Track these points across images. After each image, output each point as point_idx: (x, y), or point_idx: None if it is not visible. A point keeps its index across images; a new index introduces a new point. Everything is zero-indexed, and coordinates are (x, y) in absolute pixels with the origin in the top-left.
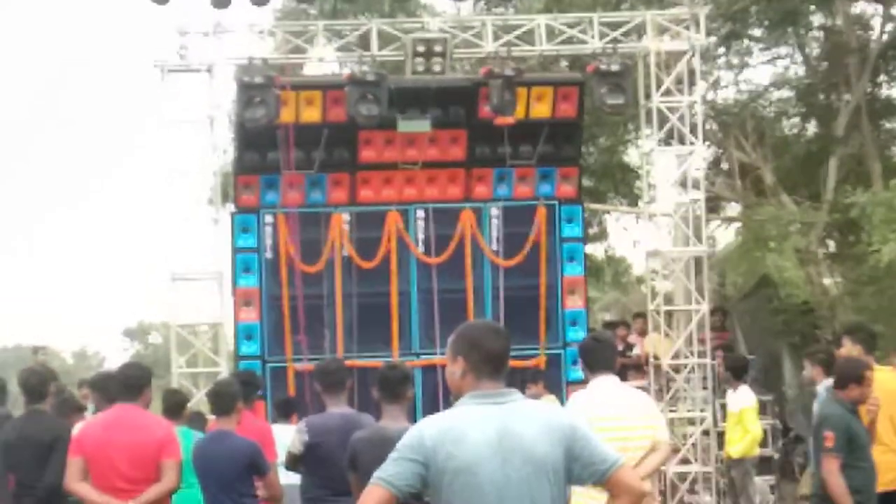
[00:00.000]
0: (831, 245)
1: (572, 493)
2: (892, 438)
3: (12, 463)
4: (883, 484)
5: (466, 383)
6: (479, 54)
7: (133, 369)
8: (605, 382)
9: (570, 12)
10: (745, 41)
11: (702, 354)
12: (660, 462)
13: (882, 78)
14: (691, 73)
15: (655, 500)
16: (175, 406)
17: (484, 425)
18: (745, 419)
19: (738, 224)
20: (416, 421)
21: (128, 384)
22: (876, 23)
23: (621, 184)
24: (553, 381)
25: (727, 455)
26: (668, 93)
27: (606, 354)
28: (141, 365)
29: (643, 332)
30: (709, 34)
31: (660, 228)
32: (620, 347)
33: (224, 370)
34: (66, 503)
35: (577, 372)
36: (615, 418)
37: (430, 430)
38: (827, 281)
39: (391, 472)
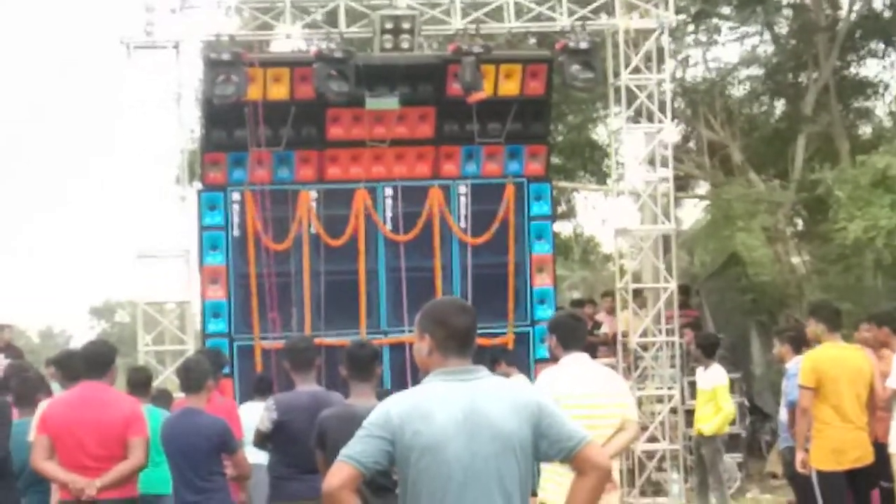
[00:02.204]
0: (799, 224)
1: (540, 471)
2: (858, 416)
3: None
4: (849, 461)
5: (433, 360)
6: (447, 31)
7: (98, 346)
8: (577, 360)
9: None
10: (714, 19)
11: (670, 332)
12: (628, 441)
13: (850, 56)
14: (660, 50)
15: (615, 484)
16: (140, 383)
17: (451, 403)
18: (718, 397)
19: (706, 202)
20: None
21: (93, 362)
22: (845, 1)
23: (590, 161)
24: (521, 359)
25: (698, 432)
26: (637, 70)
27: (581, 333)
28: (106, 342)
29: (611, 311)
30: (678, 12)
31: (628, 207)
32: (588, 326)
33: (191, 348)
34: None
35: (546, 350)
36: (585, 395)
37: (396, 407)
38: (795, 259)
39: (358, 449)
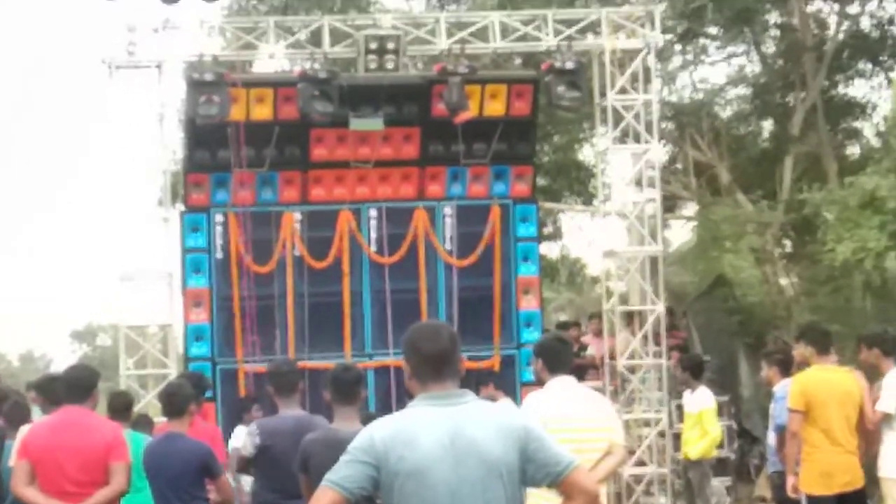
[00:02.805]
0: (787, 245)
1: (528, 495)
2: (847, 440)
3: None
4: (839, 486)
5: (413, 385)
6: (432, 52)
7: (80, 371)
8: (563, 383)
9: (524, 9)
10: (702, 39)
11: (657, 355)
12: (616, 465)
13: (838, 77)
14: (647, 70)
15: None
16: (121, 407)
17: (435, 427)
18: (704, 420)
19: (693, 223)
20: None
21: (74, 386)
22: (832, 21)
23: (576, 182)
24: (507, 382)
25: (685, 456)
26: (623, 91)
27: (567, 356)
28: (88, 366)
29: (598, 333)
30: (664, 32)
31: (615, 228)
32: (574, 348)
33: (173, 372)
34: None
35: (531, 373)
36: (571, 419)
37: (381, 432)
38: (783, 281)
39: (342, 474)
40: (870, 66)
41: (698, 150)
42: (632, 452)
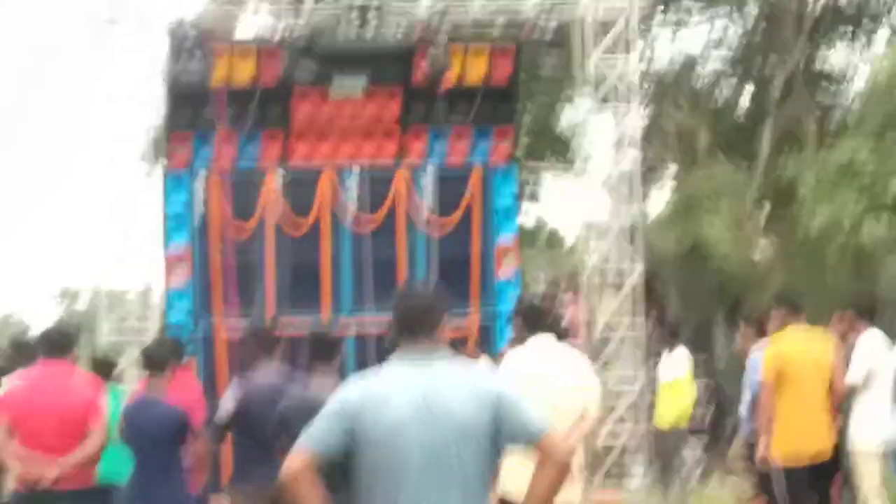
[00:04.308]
0: (766, 210)
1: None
2: (820, 409)
3: None
4: (809, 457)
5: (391, 345)
6: (413, 18)
7: (60, 326)
8: (543, 341)
9: None
10: (685, 2)
11: (635, 322)
12: (589, 428)
13: (819, 42)
14: (628, 35)
15: (574, 475)
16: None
17: (408, 388)
18: (676, 390)
19: (673, 193)
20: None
21: (53, 341)
22: None
23: (557, 143)
24: (487, 343)
25: (657, 423)
26: (605, 53)
27: (547, 314)
28: (68, 323)
29: (575, 299)
30: None
31: (595, 192)
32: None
33: (152, 334)
34: None
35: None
36: (550, 377)
37: (354, 392)
38: (761, 243)
39: (316, 435)
40: (850, 30)
41: (679, 113)
42: (607, 414)
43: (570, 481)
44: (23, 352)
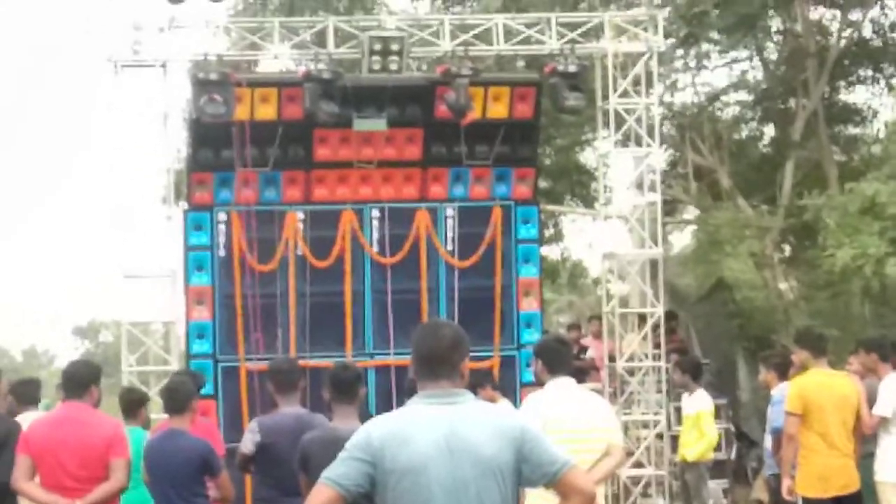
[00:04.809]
0: (787, 250)
1: (526, 495)
2: (844, 444)
3: None
4: (835, 489)
5: (416, 383)
6: (435, 53)
7: (78, 366)
8: (563, 384)
9: (527, 12)
10: (704, 44)
11: (656, 357)
12: (614, 466)
13: (839, 83)
14: (649, 74)
15: None
16: (131, 405)
17: (431, 426)
18: (701, 422)
19: (694, 228)
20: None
21: (73, 381)
22: (834, 28)
23: (577, 185)
24: (507, 383)
25: (682, 458)
26: (625, 94)
27: (567, 357)
28: (88, 362)
29: (598, 335)
30: (667, 36)
31: (616, 231)
32: (574, 350)
33: (175, 369)
34: (16, 500)
35: (531, 374)
36: (570, 420)
37: (377, 430)
38: (783, 285)
39: (339, 472)
40: (871, 72)
41: (699, 154)
42: (630, 454)
43: None
44: (17, 396)
